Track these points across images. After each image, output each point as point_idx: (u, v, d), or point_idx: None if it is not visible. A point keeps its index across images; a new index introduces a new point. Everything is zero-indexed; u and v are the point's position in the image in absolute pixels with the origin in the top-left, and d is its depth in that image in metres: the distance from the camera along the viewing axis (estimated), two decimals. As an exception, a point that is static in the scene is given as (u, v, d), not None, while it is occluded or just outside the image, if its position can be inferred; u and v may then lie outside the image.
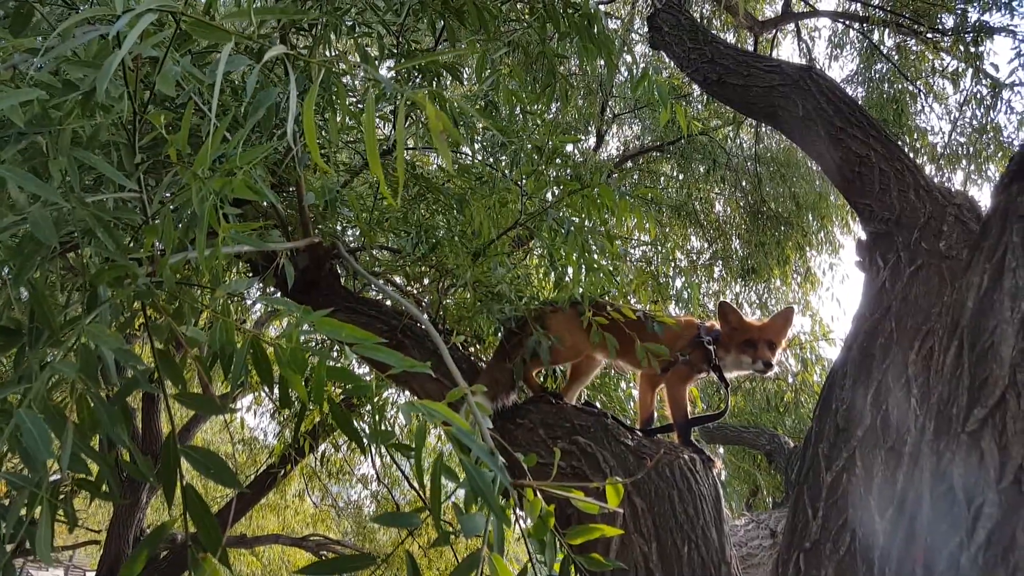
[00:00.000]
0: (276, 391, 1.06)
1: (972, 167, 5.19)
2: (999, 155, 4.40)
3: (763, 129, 6.63)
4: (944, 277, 1.87)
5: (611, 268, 2.37)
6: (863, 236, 2.28)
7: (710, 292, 7.07)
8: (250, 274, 1.94)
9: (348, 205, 1.91)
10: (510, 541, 1.16)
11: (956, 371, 1.02)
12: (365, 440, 1.17)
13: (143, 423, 5.70)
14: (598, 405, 2.20)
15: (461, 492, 1.14)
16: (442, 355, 1.45)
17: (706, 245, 7.30)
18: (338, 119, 1.63)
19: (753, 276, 6.59)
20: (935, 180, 2.20)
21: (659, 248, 6.33)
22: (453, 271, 2.10)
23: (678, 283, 6.47)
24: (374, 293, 2.60)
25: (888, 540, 1.56)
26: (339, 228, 2.08)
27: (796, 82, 2.38)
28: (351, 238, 2.35)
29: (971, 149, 5.20)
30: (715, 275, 7.02)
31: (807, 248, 6.50)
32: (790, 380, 4.99)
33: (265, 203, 2.04)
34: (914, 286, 1.89)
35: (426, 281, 2.28)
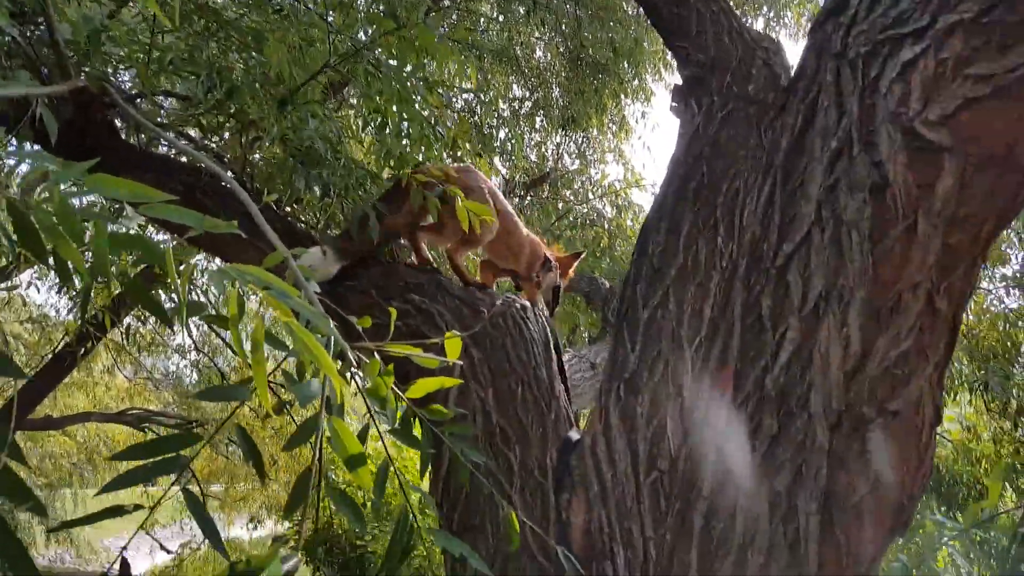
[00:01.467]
0: (53, 265, 0.88)
1: (772, 13, 5.47)
2: (796, 1, 4.63)
3: (581, -31, 6.46)
4: (751, 121, 1.97)
5: (433, 119, 2.24)
6: (679, 82, 2.33)
7: (532, 143, 7.13)
8: (-2, 128, 1.59)
9: (118, 42, 1.58)
10: (348, 397, 1.12)
11: (768, 210, 1.07)
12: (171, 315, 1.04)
13: None
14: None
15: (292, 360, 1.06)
16: (253, 216, 1.30)
17: (527, 94, 7.24)
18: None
19: (572, 125, 6.69)
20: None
21: (481, 97, 6.17)
22: (257, 123, 1.87)
23: (502, 134, 6.42)
24: (164, 149, 2.28)
25: (700, 367, 1.73)
26: (109, 71, 1.74)
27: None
28: (128, 82, 1.99)
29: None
30: (536, 125, 7.04)
31: (622, 96, 6.67)
32: (606, 227, 5.27)
33: (6, 38, 1.65)
34: (724, 130, 1.97)
35: (227, 135, 2.02)
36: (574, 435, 1.74)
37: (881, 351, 0.91)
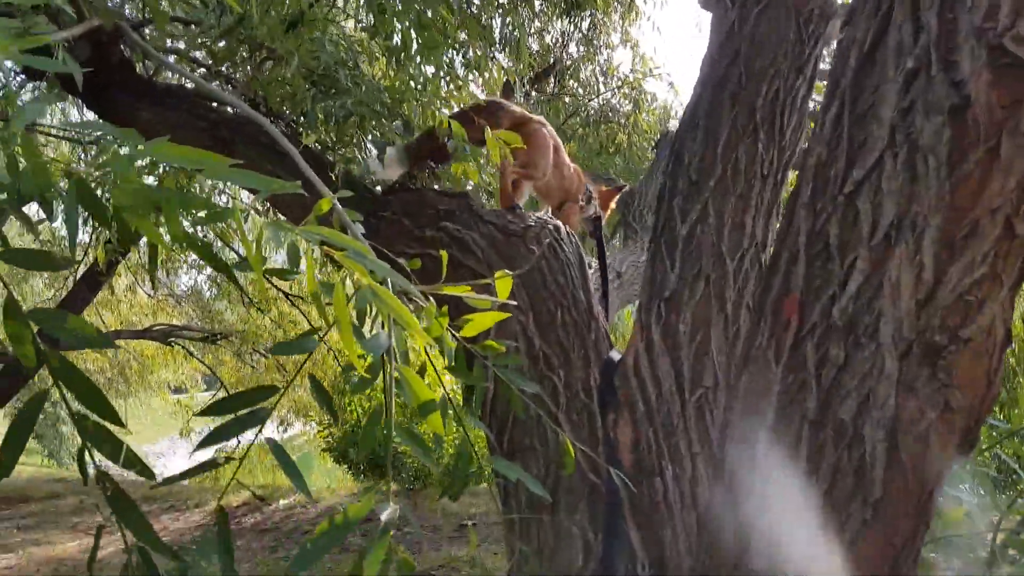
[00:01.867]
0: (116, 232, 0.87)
1: None
2: None
3: None
4: (790, 13, 1.86)
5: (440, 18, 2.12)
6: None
7: (533, 31, 6.78)
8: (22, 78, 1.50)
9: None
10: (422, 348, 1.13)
11: (836, 132, 1.02)
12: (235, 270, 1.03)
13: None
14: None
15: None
16: (290, 155, 1.27)
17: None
18: None
19: (576, 9, 6.34)
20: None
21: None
22: (269, 48, 1.78)
23: (499, 24, 6.09)
24: (171, 77, 2.19)
25: (741, 282, 1.72)
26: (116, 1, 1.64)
27: None
28: (131, 11, 1.88)
29: None
30: (537, 10, 6.67)
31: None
32: (621, 122, 5.12)
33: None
34: (761, 25, 1.87)
35: (238, 63, 1.93)
36: (615, 355, 1.76)
37: (955, 279, 0.89)
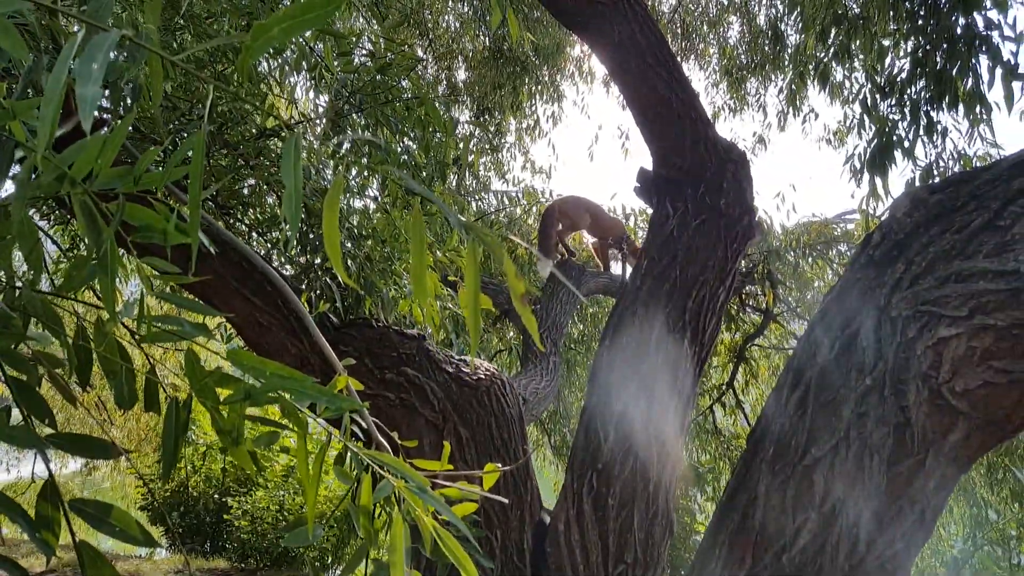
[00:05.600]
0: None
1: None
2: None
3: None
4: (720, 233, 2.20)
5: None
6: (648, 168, 2.51)
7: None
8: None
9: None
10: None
11: (800, 411, 1.27)
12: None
13: None
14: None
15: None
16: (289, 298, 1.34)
17: (437, 70, 7.13)
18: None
19: (487, 117, 6.73)
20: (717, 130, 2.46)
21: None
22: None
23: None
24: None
25: (660, 465, 1.95)
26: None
27: (616, 3, 2.38)
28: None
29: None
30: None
31: (537, 97, 6.79)
32: (520, 231, 5.44)
33: None
34: (697, 238, 2.19)
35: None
36: (546, 517, 1.91)
37: (880, 548, 1.15)
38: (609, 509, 1.84)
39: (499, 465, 1.38)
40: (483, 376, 2.02)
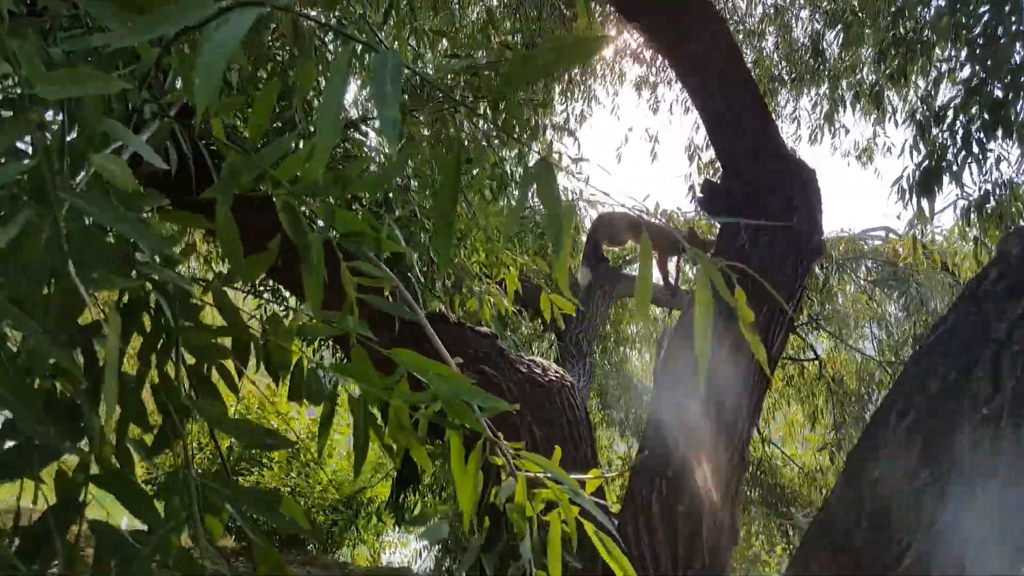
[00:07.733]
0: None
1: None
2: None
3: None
4: (790, 249, 2.24)
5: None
6: (715, 180, 2.54)
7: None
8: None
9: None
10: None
11: (911, 436, 1.31)
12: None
13: None
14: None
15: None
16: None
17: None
18: None
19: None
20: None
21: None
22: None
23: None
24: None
25: (727, 475, 1.99)
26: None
27: (703, 13, 2.40)
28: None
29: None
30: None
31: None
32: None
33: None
34: (768, 254, 2.23)
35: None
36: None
37: (983, 573, 1.18)
38: (678, 516, 1.88)
39: (602, 472, 1.41)
40: (554, 377, 2.05)
